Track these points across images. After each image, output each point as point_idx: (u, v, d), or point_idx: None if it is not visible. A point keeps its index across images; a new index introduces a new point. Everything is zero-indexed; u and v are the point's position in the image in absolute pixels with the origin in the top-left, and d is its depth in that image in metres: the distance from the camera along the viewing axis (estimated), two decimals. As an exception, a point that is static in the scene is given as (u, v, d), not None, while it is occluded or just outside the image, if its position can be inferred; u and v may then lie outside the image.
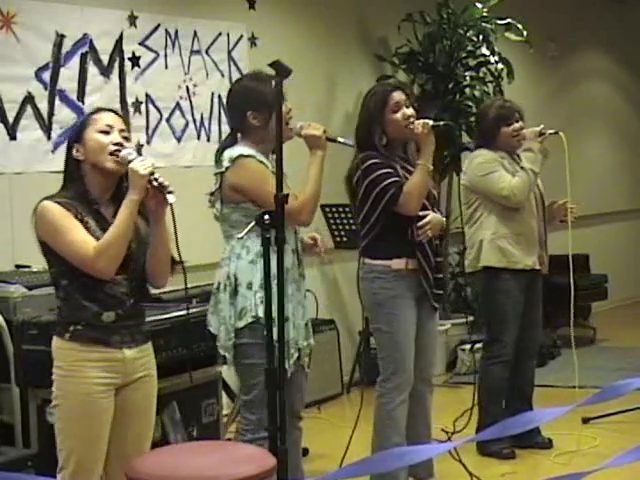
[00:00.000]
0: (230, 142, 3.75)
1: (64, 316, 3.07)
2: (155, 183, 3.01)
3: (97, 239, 3.00)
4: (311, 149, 3.71)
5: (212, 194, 3.71)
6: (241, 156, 3.62)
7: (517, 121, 4.99)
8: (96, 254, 2.96)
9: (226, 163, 3.64)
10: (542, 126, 4.97)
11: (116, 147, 3.06)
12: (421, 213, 4.13)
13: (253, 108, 3.65)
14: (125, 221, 2.99)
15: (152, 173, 3.01)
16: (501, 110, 4.99)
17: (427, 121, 4.09)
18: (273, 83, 3.64)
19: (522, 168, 4.90)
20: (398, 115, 4.11)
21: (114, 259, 2.99)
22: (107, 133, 3.08)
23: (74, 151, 3.09)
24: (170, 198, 3.00)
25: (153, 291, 3.30)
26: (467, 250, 5.08)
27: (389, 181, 4.05)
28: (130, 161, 3.03)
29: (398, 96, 4.14)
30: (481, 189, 4.92)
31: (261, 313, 3.55)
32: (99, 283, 3.04)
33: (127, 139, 3.14)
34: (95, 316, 3.04)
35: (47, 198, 3.06)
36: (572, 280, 4.85)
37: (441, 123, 4.18)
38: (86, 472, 3.03)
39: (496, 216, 4.86)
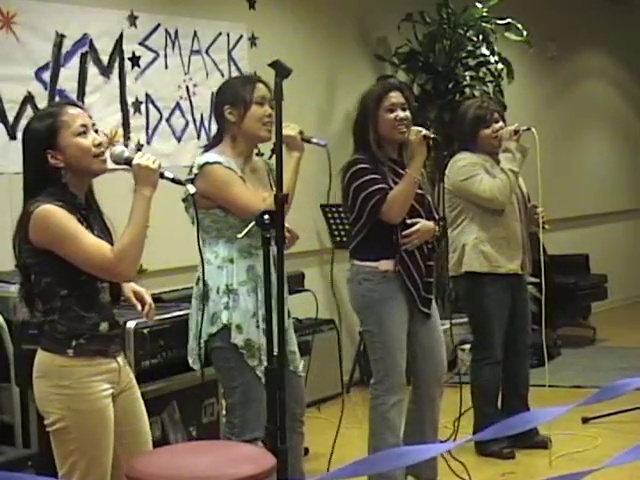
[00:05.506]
0: (205, 148, 3.79)
1: (61, 331, 2.89)
2: (169, 175, 2.93)
3: None
4: (287, 150, 3.63)
5: (185, 200, 3.71)
6: (207, 164, 3.65)
7: (497, 122, 4.89)
8: (117, 257, 2.82)
9: (195, 170, 3.68)
10: (517, 124, 4.86)
11: (100, 149, 2.93)
12: (409, 221, 4.08)
13: (229, 103, 3.69)
14: (142, 220, 2.87)
15: (160, 166, 2.92)
16: (478, 111, 4.89)
17: (419, 129, 4.03)
18: (259, 84, 3.67)
19: (501, 169, 4.82)
20: (391, 116, 4.07)
21: (135, 260, 2.88)
22: (84, 134, 2.92)
23: (49, 158, 2.91)
24: (190, 188, 2.98)
25: (153, 291, 3.29)
26: (450, 254, 5.00)
27: (374, 188, 4.02)
28: (128, 158, 2.93)
29: (395, 97, 4.10)
30: (463, 193, 4.85)
31: (225, 319, 3.60)
32: (95, 292, 2.94)
33: (97, 132, 3.00)
34: (94, 327, 2.93)
35: (37, 202, 2.87)
36: (544, 285, 4.84)
37: (432, 136, 4.01)
38: None
39: (479, 220, 4.80)
